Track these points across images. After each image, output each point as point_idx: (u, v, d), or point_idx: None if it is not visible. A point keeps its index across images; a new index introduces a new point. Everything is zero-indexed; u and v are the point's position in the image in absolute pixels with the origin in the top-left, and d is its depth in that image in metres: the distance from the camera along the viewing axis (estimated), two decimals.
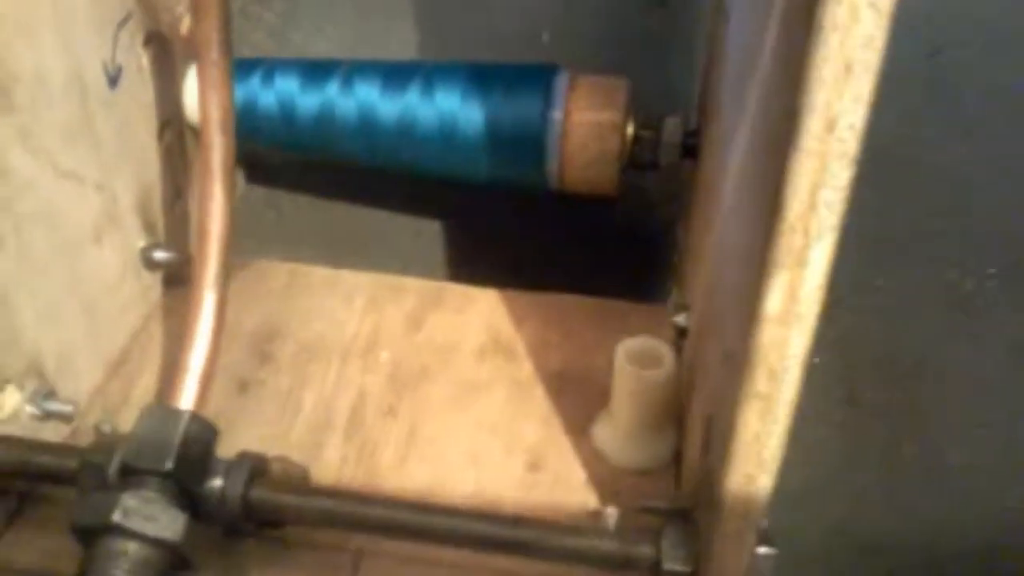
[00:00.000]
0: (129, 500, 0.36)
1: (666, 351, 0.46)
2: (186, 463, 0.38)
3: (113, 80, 0.50)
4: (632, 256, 0.65)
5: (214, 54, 0.37)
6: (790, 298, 0.28)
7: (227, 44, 0.38)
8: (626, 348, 0.46)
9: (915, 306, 0.63)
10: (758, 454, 0.31)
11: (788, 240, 0.27)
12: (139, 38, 0.52)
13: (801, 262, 0.27)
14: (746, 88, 0.36)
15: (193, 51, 0.38)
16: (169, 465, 0.37)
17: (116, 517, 0.35)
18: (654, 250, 0.65)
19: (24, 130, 0.43)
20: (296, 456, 0.45)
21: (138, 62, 0.52)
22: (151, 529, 0.35)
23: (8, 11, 0.41)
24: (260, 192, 0.69)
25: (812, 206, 0.26)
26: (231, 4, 0.39)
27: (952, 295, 0.62)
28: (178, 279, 0.58)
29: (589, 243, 0.65)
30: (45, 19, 0.44)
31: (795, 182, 0.26)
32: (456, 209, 0.67)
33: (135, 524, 0.35)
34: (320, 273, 0.59)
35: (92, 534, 0.36)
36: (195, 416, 0.38)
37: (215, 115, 0.38)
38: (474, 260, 0.67)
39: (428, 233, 0.68)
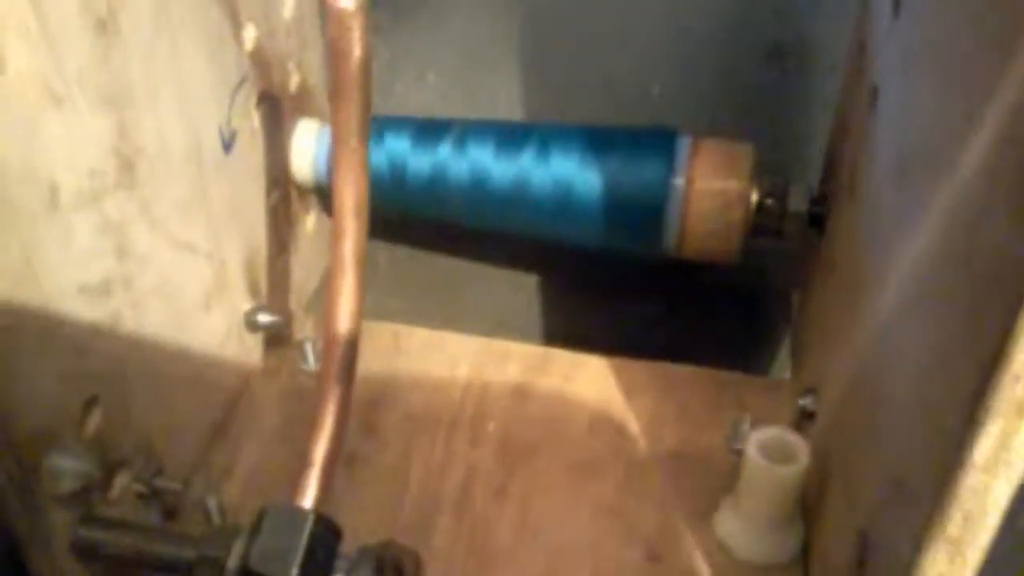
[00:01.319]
0: None
1: (801, 445, 0.43)
2: (310, 567, 0.36)
3: (228, 145, 0.49)
4: (743, 321, 0.63)
5: (354, 141, 0.36)
6: (1002, 447, 0.26)
7: (366, 130, 0.36)
8: (759, 440, 0.44)
9: None
10: None
11: (1010, 390, 0.25)
12: (253, 100, 0.51)
13: (1020, 412, 0.25)
14: (920, 192, 0.33)
15: (332, 138, 0.37)
16: (294, 572, 0.35)
17: None
18: (766, 317, 0.62)
19: (146, 205, 0.42)
20: (405, 538, 0.43)
21: (251, 124, 0.51)
22: None
23: (137, 81, 0.40)
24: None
25: None
26: (372, 73, 0.38)
27: None
28: (277, 340, 0.57)
29: (697, 306, 0.63)
30: (169, 88, 0.43)
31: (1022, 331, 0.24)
32: (558, 265, 0.65)
33: None
34: (422, 335, 0.58)
35: None
36: (320, 518, 0.37)
37: (350, 202, 0.37)
38: (578, 326, 0.65)
39: (527, 288, 0.66)
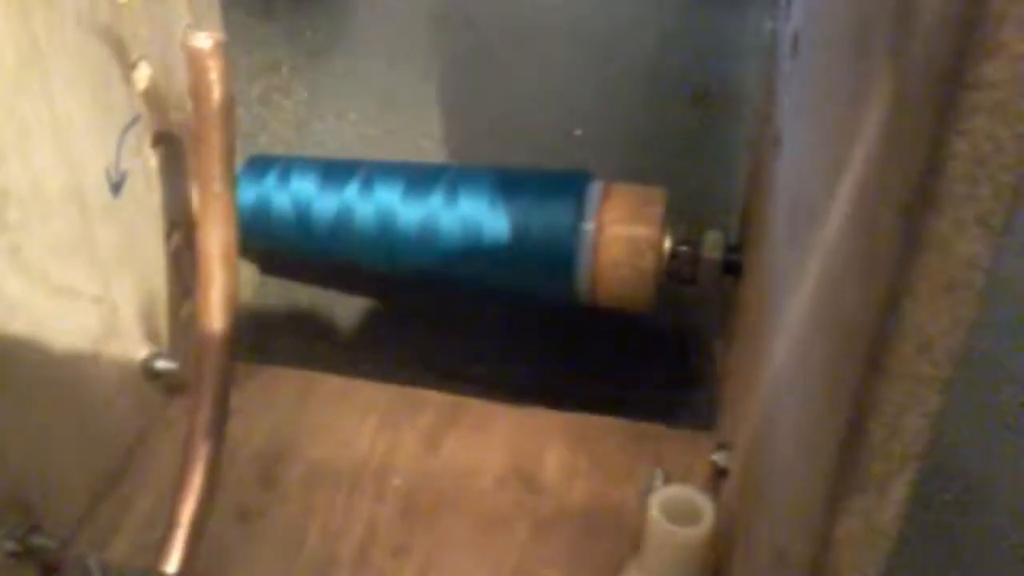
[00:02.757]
0: None
1: (705, 504, 0.41)
2: None
3: (116, 187, 0.47)
4: (667, 370, 0.61)
5: (217, 186, 0.34)
6: (865, 527, 0.24)
7: (230, 173, 0.34)
8: (661, 499, 0.42)
9: (969, 425, 0.59)
10: None
11: (868, 466, 0.23)
12: (147, 139, 0.49)
13: (881, 491, 0.23)
14: (803, 239, 0.32)
15: (195, 183, 0.35)
16: None
17: None
18: (690, 364, 0.61)
19: (14, 248, 0.40)
20: None
21: (145, 165, 0.49)
22: None
23: (3, 120, 0.38)
24: (274, 284, 0.66)
25: (896, 432, 0.22)
26: (234, 115, 0.36)
27: (1007, 415, 0.58)
28: (180, 388, 0.54)
29: (620, 355, 0.61)
30: (39, 126, 0.41)
31: (880, 405, 0.22)
32: (480, 313, 0.63)
33: None
34: (334, 383, 0.56)
35: None
36: None
37: (216, 251, 0.35)
38: (495, 364, 0.63)
39: (445, 339, 0.64)
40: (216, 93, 0.33)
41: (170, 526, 0.36)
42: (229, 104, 0.33)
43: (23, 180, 0.40)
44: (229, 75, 0.33)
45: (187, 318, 0.55)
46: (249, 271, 0.63)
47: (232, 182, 0.35)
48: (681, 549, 0.41)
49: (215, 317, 0.36)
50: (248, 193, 0.54)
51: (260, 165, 0.53)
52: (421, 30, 0.60)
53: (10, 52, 0.38)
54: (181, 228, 0.53)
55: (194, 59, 0.32)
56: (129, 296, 0.49)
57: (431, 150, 0.61)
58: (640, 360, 0.61)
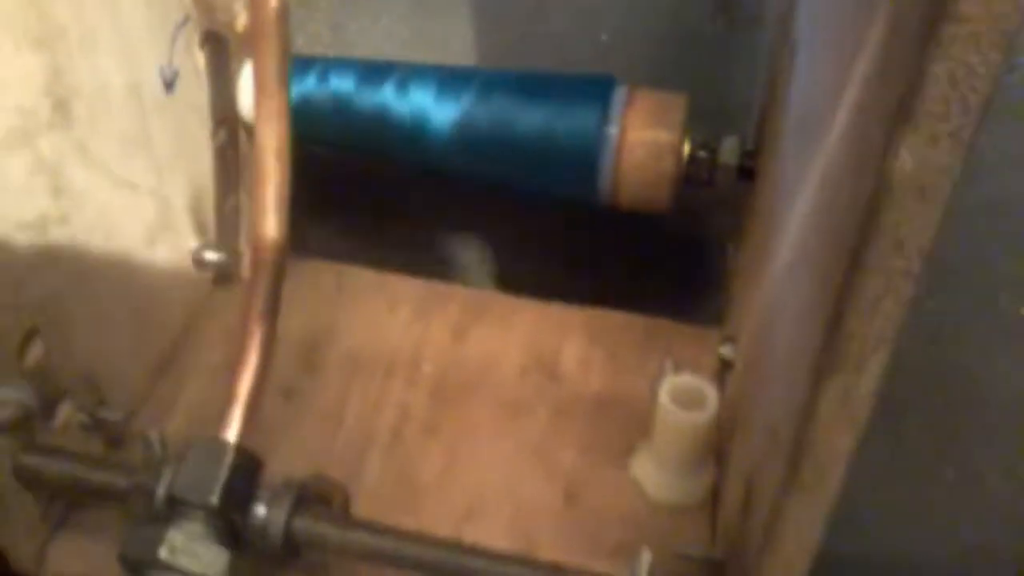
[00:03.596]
0: (175, 536, 0.36)
1: (709, 391, 0.45)
2: (231, 496, 0.38)
3: (169, 84, 0.50)
4: (682, 270, 0.64)
5: (272, 86, 0.37)
6: (843, 401, 0.27)
7: (285, 75, 0.37)
8: (670, 386, 0.45)
9: (964, 330, 0.62)
10: (799, 541, 0.31)
11: (846, 347, 0.26)
12: (195, 40, 0.51)
13: (857, 369, 0.27)
14: (811, 148, 0.35)
15: (253, 82, 0.38)
16: (215, 500, 0.37)
17: (163, 554, 0.36)
18: (704, 265, 0.64)
19: (82, 145, 0.43)
20: (337, 472, 0.45)
21: (194, 64, 0.52)
22: (196, 566, 0.36)
23: (69, 23, 0.41)
24: (310, 194, 0.69)
25: (872, 317, 0.26)
26: (289, 26, 0.39)
27: (1001, 319, 0.61)
28: (226, 278, 0.58)
29: (639, 255, 0.64)
30: (106, 29, 0.43)
31: (858, 294, 0.25)
32: (506, 216, 0.66)
33: (180, 561, 0.36)
34: (367, 277, 0.59)
35: (138, 566, 0.36)
36: (240, 449, 0.39)
37: (272, 144, 0.38)
38: (520, 266, 0.66)
39: (474, 238, 0.67)
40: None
41: (229, 399, 0.40)
42: (285, 10, 0.36)
43: (89, 78, 0.43)
44: None
45: (232, 211, 0.58)
46: None
47: (286, 82, 0.38)
48: (686, 432, 0.45)
49: (270, 208, 0.39)
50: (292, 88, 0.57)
51: (300, 65, 0.56)
52: None
53: None
54: (225, 125, 0.56)
55: None
56: (181, 190, 0.52)
57: (461, 53, 0.63)
58: (656, 260, 0.64)
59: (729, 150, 0.53)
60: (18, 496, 0.43)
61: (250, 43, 0.37)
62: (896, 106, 0.23)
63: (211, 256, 0.55)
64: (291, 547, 0.40)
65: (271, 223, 0.39)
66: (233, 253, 0.57)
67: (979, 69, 0.22)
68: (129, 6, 0.45)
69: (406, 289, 0.58)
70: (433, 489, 0.48)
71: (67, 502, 0.46)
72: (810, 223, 0.32)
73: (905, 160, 0.23)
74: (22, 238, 0.41)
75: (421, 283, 0.59)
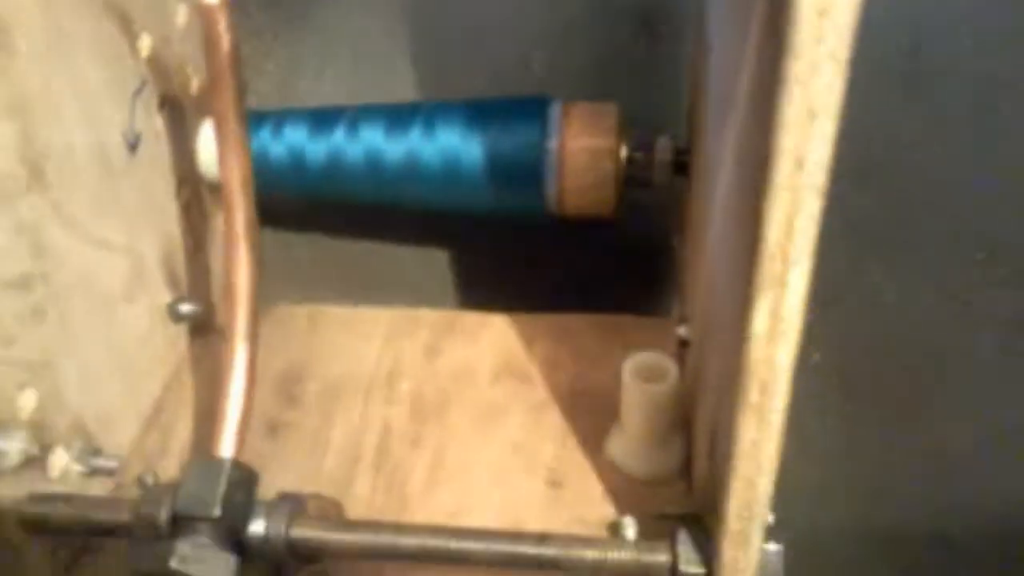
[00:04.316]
0: (183, 547, 0.38)
1: (670, 365, 0.48)
2: (231, 508, 0.40)
3: (133, 147, 0.53)
4: (633, 270, 0.68)
5: (232, 123, 0.40)
6: (774, 318, 0.31)
7: (243, 112, 0.41)
8: (632, 364, 0.48)
9: (909, 298, 0.66)
10: (756, 459, 0.34)
11: (769, 266, 0.29)
12: (154, 103, 0.55)
13: (782, 284, 0.30)
14: (725, 124, 0.38)
15: (213, 121, 0.41)
16: (216, 512, 0.40)
17: (173, 563, 0.38)
18: (653, 263, 0.67)
19: (57, 205, 0.46)
20: (329, 491, 0.48)
21: (154, 126, 0.55)
22: (205, 572, 0.38)
23: (34, 92, 0.44)
24: (272, 236, 0.72)
25: (788, 235, 0.29)
26: (242, 69, 0.42)
27: (942, 285, 0.65)
28: (202, 329, 0.61)
29: (591, 262, 0.68)
30: (67, 96, 0.47)
31: (772, 214, 0.29)
32: (461, 240, 0.70)
33: (191, 569, 0.38)
34: (338, 313, 0.62)
35: None
36: (236, 463, 0.41)
37: (236, 178, 0.41)
38: (483, 287, 0.70)
39: (437, 265, 0.71)
40: (226, 41, 0.39)
41: (219, 420, 0.42)
42: (237, 51, 0.39)
43: (58, 144, 0.46)
44: (234, 26, 0.39)
45: (202, 265, 0.61)
46: None
47: (244, 118, 0.41)
48: (652, 404, 0.48)
49: (240, 237, 0.42)
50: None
51: (255, 120, 0.59)
52: None
53: (40, 38, 0.44)
54: (189, 183, 0.59)
55: (206, 14, 0.38)
56: (152, 246, 0.55)
57: (404, 92, 0.67)
58: (608, 264, 0.67)
59: (663, 149, 0.56)
60: (26, 546, 0.45)
61: (208, 85, 0.40)
62: (779, 45, 0.26)
63: (186, 308, 0.58)
64: (295, 554, 0.42)
65: (242, 250, 0.42)
66: (207, 305, 0.60)
67: None
68: (89, 74, 0.48)
69: (376, 318, 0.61)
70: (422, 495, 0.51)
71: (72, 549, 0.48)
72: (732, 177, 0.35)
73: (793, 88, 0.26)
74: (9, 296, 0.43)
75: (389, 311, 0.62)
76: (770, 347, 0.31)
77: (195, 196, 0.60)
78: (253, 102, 0.66)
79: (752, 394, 0.32)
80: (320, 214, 0.70)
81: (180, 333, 0.59)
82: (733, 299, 0.35)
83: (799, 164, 0.27)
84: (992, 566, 0.73)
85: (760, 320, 0.31)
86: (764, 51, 0.29)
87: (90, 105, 0.49)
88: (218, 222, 0.64)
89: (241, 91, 0.40)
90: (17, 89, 0.43)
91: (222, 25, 0.39)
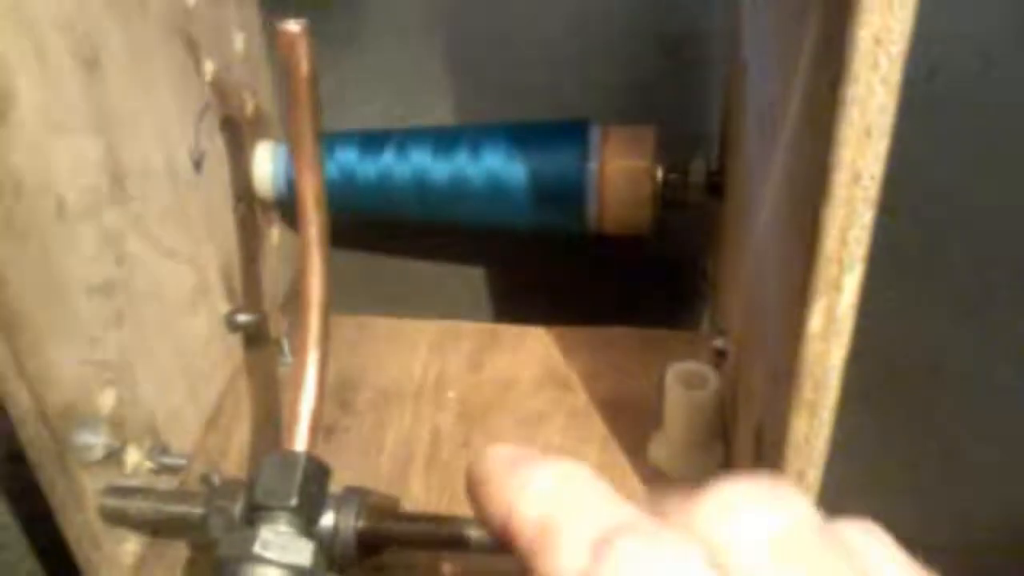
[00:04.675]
0: (266, 533, 0.41)
1: (710, 373, 0.51)
2: (307, 499, 0.43)
3: (197, 164, 0.56)
4: (664, 287, 0.71)
5: (308, 142, 0.43)
6: (828, 319, 0.33)
7: (318, 131, 0.44)
8: (675, 372, 0.51)
9: (927, 314, 0.69)
10: (808, 453, 0.37)
11: (825, 271, 0.32)
12: (216, 124, 0.58)
13: (837, 288, 0.33)
14: (771, 138, 0.41)
15: (290, 140, 0.44)
16: (294, 501, 0.42)
17: (257, 548, 0.40)
18: (684, 280, 0.70)
19: (136, 217, 0.49)
20: (385, 491, 0.50)
21: (215, 146, 0.58)
22: (286, 557, 0.41)
23: (117, 110, 0.47)
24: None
25: (844, 242, 0.32)
26: (318, 82, 0.45)
27: (960, 301, 0.68)
28: (254, 340, 0.64)
29: (625, 279, 0.71)
30: (144, 115, 0.50)
31: (829, 224, 0.31)
32: (500, 256, 0.73)
33: (273, 554, 0.40)
34: (385, 323, 0.65)
35: (235, 565, 0.41)
36: (311, 457, 0.44)
37: (311, 193, 0.44)
38: (520, 304, 0.73)
39: (475, 281, 0.74)
40: (305, 66, 0.42)
41: (293, 418, 0.45)
42: (314, 75, 0.42)
43: (136, 160, 0.49)
44: (313, 52, 0.42)
45: (256, 277, 0.64)
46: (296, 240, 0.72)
47: (319, 139, 0.44)
48: (695, 409, 0.51)
49: (314, 247, 0.45)
50: None
51: None
52: (423, 11, 0.69)
53: (122, 60, 0.47)
54: (244, 200, 0.62)
55: (287, 40, 0.41)
56: (213, 259, 0.58)
57: (444, 116, 0.70)
58: (640, 280, 0.70)
59: (696, 170, 0.59)
60: (104, 535, 0.48)
61: (288, 106, 0.43)
62: (836, 67, 0.30)
63: (242, 318, 0.61)
64: (362, 545, 0.45)
65: (316, 259, 0.45)
66: (260, 316, 0.63)
67: (895, 27, 0.28)
68: (162, 95, 0.51)
69: (421, 330, 0.64)
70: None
71: (145, 540, 0.51)
72: (781, 186, 0.38)
73: (851, 108, 0.29)
74: (95, 301, 0.46)
75: (434, 323, 0.65)
76: (824, 346, 0.34)
77: (249, 212, 0.63)
78: None
79: (806, 391, 0.35)
80: (365, 231, 0.72)
81: (236, 342, 0.62)
82: (782, 306, 0.38)
83: (856, 178, 0.30)
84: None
85: (816, 321, 0.33)
86: (819, 73, 0.32)
87: (163, 124, 0.52)
88: (270, 237, 0.67)
89: (317, 112, 0.43)
90: (103, 108, 0.46)
91: (302, 51, 0.42)
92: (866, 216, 0.31)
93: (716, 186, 0.60)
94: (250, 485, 0.44)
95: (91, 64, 0.45)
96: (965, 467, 0.72)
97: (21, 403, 0.42)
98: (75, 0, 0.43)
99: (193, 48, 0.55)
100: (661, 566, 0.19)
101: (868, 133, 0.30)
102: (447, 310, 0.68)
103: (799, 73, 0.35)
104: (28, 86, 0.40)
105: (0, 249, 0.39)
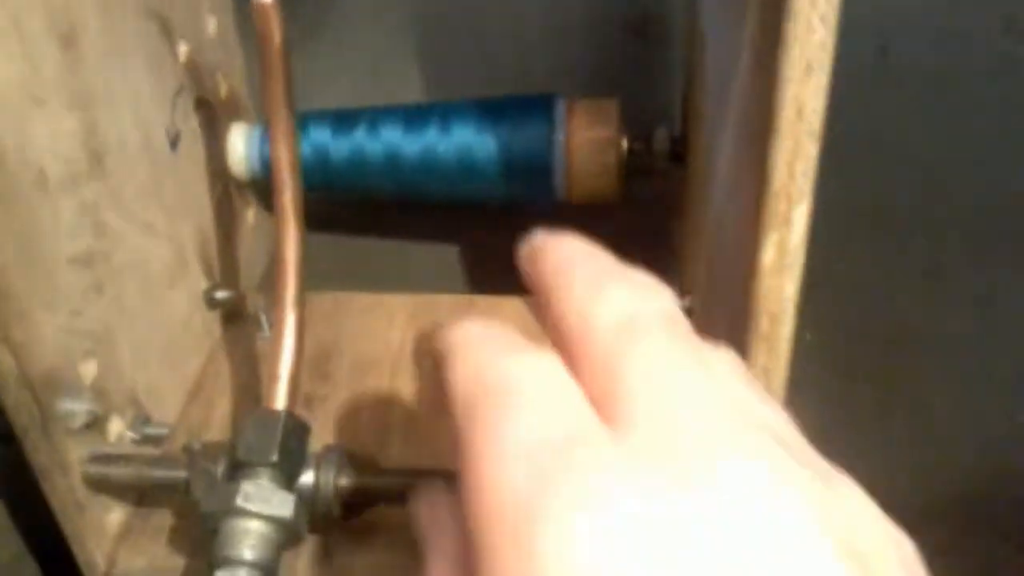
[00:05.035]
0: (248, 487, 0.42)
1: None
2: (287, 454, 0.44)
3: (173, 143, 0.57)
4: (634, 253, 0.72)
5: (282, 112, 0.45)
6: (780, 252, 0.35)
7: (291, 100, 0.45)
8: None
9: (889, 277, 0.71)
10: (768, 385, 0.38)
11: (774, 205, 0.34)
12: (191, 104, 0.59)
13: (787, 222, 0.34)
14: (727, 96, 0.43)
15: (264, 109, 0.46)
16: (275, 457, 0.43)
17: (239, 501, 0.42)
18: (652, 246, 0.72)
19: (114, 191, 0.50)
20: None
21: (191, 126, 0.59)
22: (268, 509, 0.42)
23: (95, 88, 0.48)
24: None
25: (791, 176, 0.34)
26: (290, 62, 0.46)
27: (919, 263, 0.70)
28: (231, 317, 0.65)
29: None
30: (122, 94, 0.51)
31: (776, 158, 0.33)
32: (473, 231, 0.74)
33: (255, 506, 0.42)
34: (361, 299, 0.66)
35: (217, 518, 0.42)
36: (290, 414, 0.45)
37: (286, 161, 0.45)
38: (495, 277, 0.74)
39: (450, 257, 0.75)
40: (277, 36, 0.43)
41: (272, 378, 0.46)
42: (287, 45, 0.44)
43: (114, 137, 0.50)
44: (284, 23, 0.44)
45: (232, 258, 0.65)
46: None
47: (292, 108, 0.45)
48: None
49: (288, 214, 0.46)
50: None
51: None
52: None
53: (99, 40, 0.48)
54: (220, 179, 0.64)
55: (259, 11, 0.43)
56: (190, 236, 0.59)
57: (412, 95, 0.72)
58: (613, 251, 0.72)
59: (660, 138, 0.61)
60: (88, 501, 0.49)
61: (261, 76, 0.45)
62: (777, 10, 0.31)
63: (220, 295, 0.62)
64: (342, 502, 0.46)
65: (292, 225, 0.47)
66: (238, 293, 0.64)
67: None
68: (138, 75, 0.52)
69: (397, 303, 0.66)
70: (451, 454, 0.55)
71: (129, 509, 0.52)
72: (735, 134, 0.40)
73: (792, 47, 0.31)
74: (75, 271, 0.47)
75: (412, 297, 0.66)
76: (777, 279, 0.36)
77: (225, 192, 0.64)
78: None
79: (762, 324, 0.37)
80: (338, 212, 0.74)
81: (214, 319, 0.63)
82: (738, 248, 0.40)
83: (799, 113, 0.32)
84: (984, 537, 0.77)
85: (768, 255, 0.35)
86: (764, 20, 0.34)
87: (140, 103, 0.53)
88: (246, 217, 0.68)
89: (290, 83, 0.45)
90: (82, 85, 0.47)
91: (274, 22, 0.43)
92: (811, 149, 0.33)
93: (679, 154, 0.62)
94: (231, 445, 0.46)
95: (68, 40, 0.46)
96: (932, 420, 0.74)
97: (5, 368, 0.43)
98: None
99: (168, 30, 0.56)
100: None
101: (809, 69, 0.32)
102: (423, 286, 0.69)
103: (749, 23, 0.37)
104: (5, 58, 0.41)
105: None
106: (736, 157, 0.41)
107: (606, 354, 0.25)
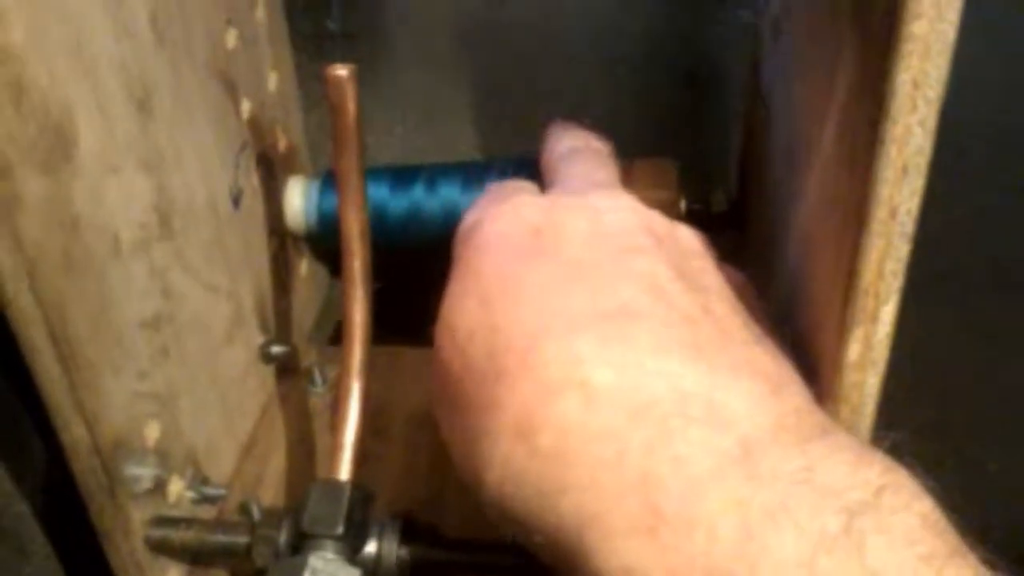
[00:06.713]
0: (315, 561, 0.42)
1: None
2: (352, 526, 0.44)
3: (236, 201, 0.57)
4: None
5: (354, 180, 0.45)
6: (866, 348, 0.35)
7: (362, 169, 0.45)
8: None
9: (936, 335, 0.70)
10: None
11: (863, 302, 0.34)
12: (253, 161, 0.59)
13: (874, 319, 0.34)
14: (800, 172, 0.43)
15: (336, 178, 0.46)
16: (340, 530, 0.43)
17: (307, 575, 0.42)
18: None
19: (180, 252, 0.50)
20: (421, 512, 0.52)
21: (251, 182, 0.60)
22: None
23: (167, 149, 0.49)
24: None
25: (880, 275, 0.33)
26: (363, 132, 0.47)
27: (968, 322, 0.69)
28: (284, 371, 0.65)
29: None
30: (189, 154, 0.51)
31: (867, 256, 0.33)
32: None
33: None
34: (414, 353, 0.66)
35: None
36: (356, 486, 0.45)
37: (356, 228, 0.45)
38: None
39: None
40: (352, 107, 0.43)
41: (336, 448, 0.46)
42: (360, 116, 0.44)
43: (181, 195, 0.50)
44: (358, 94, 0.44)
45: (286, 312, 0.65)
46: (323, 272, 0.74)
47: (363, 177, 0.46)
48: None
49: (357, 281, 0.46)
50: (328, 202, 0.65)
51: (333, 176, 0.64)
52: (447, 41, 0.71)
53: (170, 100, 0.49)
54: (277, 235, 0.64)
55: (335, 83, 0.43)
56: (249, 292, 0.60)
57: (465, 149, 0.72)
58: None
59: (718, 200, 0.61)
60: (149, 564, 0.49)
61: (334, 146, 0.45)
62: (876, 107, 0.31)
63: (275, 350, 0.62)
64: (403, 572, 0.46)
65: (359, 291, 0.47)
66: (291, 348, 0.64)
67: (932, 73, 0.30)
68: (204, 134, 0.53)
69: None
70: None
71: (185, 568, 0.52)
72: (815, 215, 0.40)
73: (889, 147, 0.31)
74: (144, 335, 0.47)
75: None
76: (861, 374, 0.35)
77: (281, 247, 0.65)
78: (325, 162, 0.71)
79: (844, 417, 0.37)
80: (390, 262, 0.74)
81: (268, 373, 0.63)
82: (816, 335, 0.40)
83: (892, 214, 0.32)
84: None
85: (853, 350, 0.35)
86: (857, 110, 0.34)
87: (205, 163, 0.53)
88: (300, 270, 0.68)
89: (362, 152, 0.45)
90: (153, 147, 0.47)
91: (350, 94, 0.43)
92: (902, 250, 0.33)
93: (737, 217, 0.61)
94: (294, 514, 0.46)
95: (142, 105, 0.46)
96: (984, 477, 0.74)
97: (76, 436, 0.43)
98: (130, 42, 0.44)
99: (231, 88, 0.57)
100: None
101: (905, 171, 0.31)
102: None
103: (833, 107, 0.37)
104: (87, 127, 0.42)
105: (61, 286, 0.40)
106: (814, 237, 0.40)
107: (554, 167, 0.50)
